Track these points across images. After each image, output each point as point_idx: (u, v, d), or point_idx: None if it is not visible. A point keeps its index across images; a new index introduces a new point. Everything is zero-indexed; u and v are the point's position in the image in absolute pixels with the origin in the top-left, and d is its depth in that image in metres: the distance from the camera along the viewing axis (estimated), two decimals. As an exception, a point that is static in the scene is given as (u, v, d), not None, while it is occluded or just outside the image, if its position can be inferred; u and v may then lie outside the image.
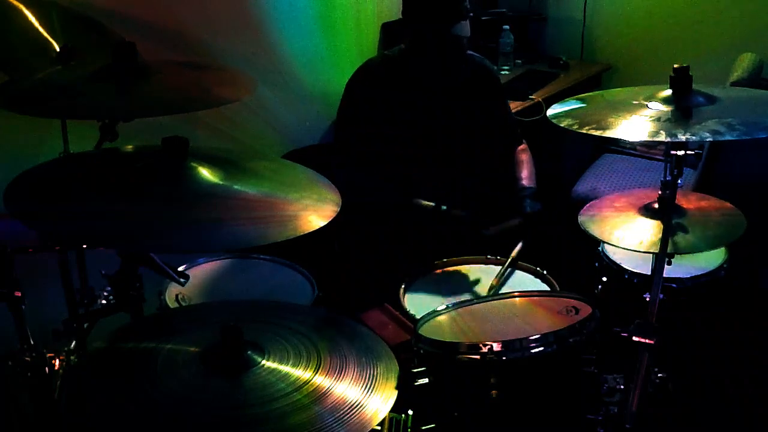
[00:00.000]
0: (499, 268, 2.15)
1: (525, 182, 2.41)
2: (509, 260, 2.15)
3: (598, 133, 1.61)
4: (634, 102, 1.69)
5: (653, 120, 1.61)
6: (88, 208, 1.32)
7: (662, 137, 1.54)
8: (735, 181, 2.99)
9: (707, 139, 1.51)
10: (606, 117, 1.67)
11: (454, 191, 2.39)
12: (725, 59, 3.33)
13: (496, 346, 1.53)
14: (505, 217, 2.30)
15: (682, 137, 1.52)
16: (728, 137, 1.49)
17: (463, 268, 2.16)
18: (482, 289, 2.07)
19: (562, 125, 1.68)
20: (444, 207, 2.26)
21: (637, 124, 1.61)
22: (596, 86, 3.87)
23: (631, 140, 1.56)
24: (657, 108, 1.66)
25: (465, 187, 2.44)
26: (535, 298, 1.82)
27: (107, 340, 1.37)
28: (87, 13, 2.07)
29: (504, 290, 2.07)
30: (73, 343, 1.78)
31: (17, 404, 1.83)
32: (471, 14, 2.25)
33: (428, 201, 2.28)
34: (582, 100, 1.86)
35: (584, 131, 1.63)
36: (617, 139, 1.61)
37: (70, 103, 1.54)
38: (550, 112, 1.77)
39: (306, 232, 1.31)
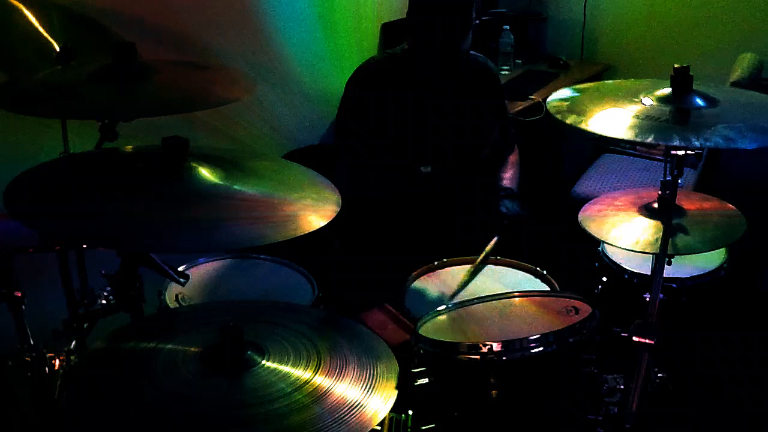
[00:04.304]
0: (498, 267, 2.15)
1: (506, 182, 2.42)
2: (483, 254, 2.16)
3: (582, 125, 1.60)
4: (635, 99, 1.69)
5: (659, 121, 1.60)
6: (88, 208, 1.31)
7: (676, 142, 1.52)
8: (735, 181, 2.99)
9: (721, 146, 1.49)
10: (594, 111, 1.65)
11: (452, 190, 2.39)
12: (725, 59, 3.33)
13: (496, 346, 1.53)
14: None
15: (696, 142, 1.50)
16: (741, 144, 1.48)
17: (464, 268, 2.16)
18: (482, 288, 2.07)
19: (553, 112, 1.66)
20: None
21: (643, 126, 1.59)
22: (596, 86, 3.87)
23: (636, 141, 1.55)
24: (655, 107, 1.65)
25: (463, 186, 2.44)
26: (535, 298, 1.82)
27: (107, 340, 1.37)
28: (87, 13, 2.07)
29: (479, 285, 2.07)
30: (73, 343, 1.79)
31: (17, 404, 1.84)
32: (477, 21, 2.26)
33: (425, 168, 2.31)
34: (577, 90, 1.85)
35: (569, 121, 1.62)
36: (618, 138, 1.60)
37: (70, 103, 1.54)
38: (549, 99, 1.76)
39: (306, 232, 1.31)
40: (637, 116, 1.61)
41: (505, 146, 2.54)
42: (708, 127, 1.55)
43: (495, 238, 2.20)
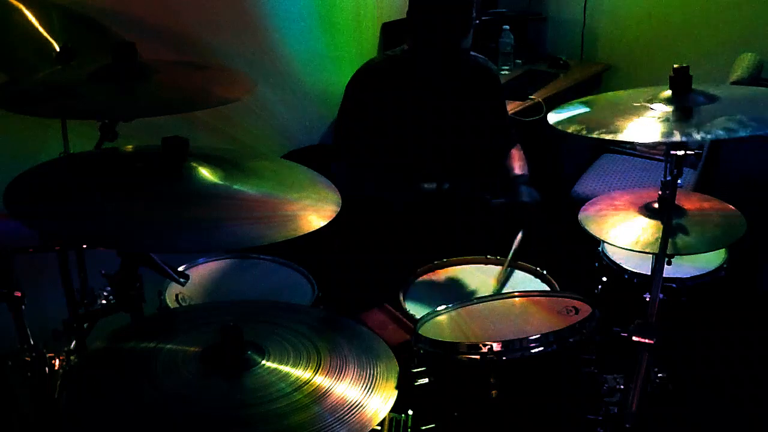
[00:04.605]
0: (499, 268, 2.15)
1: (517, 171, 2.42)
2: (512, 251, 2.14)
3: (609, 137, 1.60)
4: (635, 104, 1.69)
5: (661, 120, 1.60)
6: (88, 208, 1.31)
7: (677, 137, 1.52)
8: (735, 181, 2.99)
9: (722, 137, 1.50)
10: (612, 120, 1.66)
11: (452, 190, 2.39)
12: (725, 59, 3.34)
13: (496, 346, 1.53)
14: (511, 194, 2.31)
15: (696, 136, 1.51)
16: (742, 133, 1.48)
17: (464, 268, 2.16)
18: (482, 289, 2.07)
19: (569, 131, 1.67)
20: (446, 185, 2.28)
21: (645, 126, 1.59)
22: (596, 86, 3.87)
23: (643, 141, 1.56)
24: (661, 109, 1.65)
25: (463, 186, 2.45)
26: (535, 298, 1.82)
27: (107, 340, 1.37)
28: (87, 13, 2.07)
29: (505, 290, 2.06)
30: (73, 343, 1.79)
31: (17, 404, 1.84)
32: (477, 21, 2.26)
33: (429, 184, 2.30)
34: (584, 104, 1.85)
35: (594, 135, 1.62)
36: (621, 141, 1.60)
37: (70, 103, 1.54)
38: (552, 119, 1.76)
39: (306, 232, 1.31)
40: (641, 118, 1.62)
41: (507, 146, 2.54)
42: (709, 120, 1.55)
43: (520, 233, 2.19)
